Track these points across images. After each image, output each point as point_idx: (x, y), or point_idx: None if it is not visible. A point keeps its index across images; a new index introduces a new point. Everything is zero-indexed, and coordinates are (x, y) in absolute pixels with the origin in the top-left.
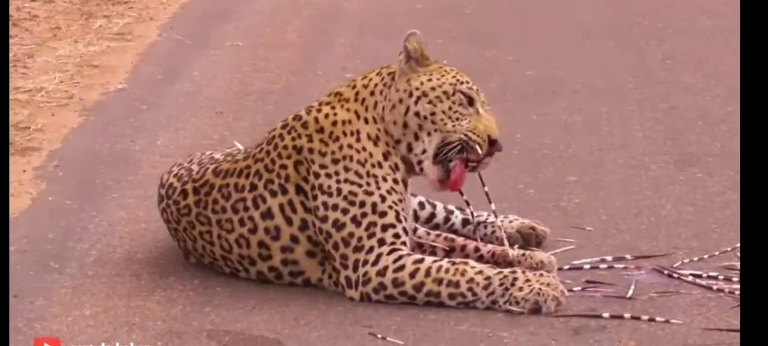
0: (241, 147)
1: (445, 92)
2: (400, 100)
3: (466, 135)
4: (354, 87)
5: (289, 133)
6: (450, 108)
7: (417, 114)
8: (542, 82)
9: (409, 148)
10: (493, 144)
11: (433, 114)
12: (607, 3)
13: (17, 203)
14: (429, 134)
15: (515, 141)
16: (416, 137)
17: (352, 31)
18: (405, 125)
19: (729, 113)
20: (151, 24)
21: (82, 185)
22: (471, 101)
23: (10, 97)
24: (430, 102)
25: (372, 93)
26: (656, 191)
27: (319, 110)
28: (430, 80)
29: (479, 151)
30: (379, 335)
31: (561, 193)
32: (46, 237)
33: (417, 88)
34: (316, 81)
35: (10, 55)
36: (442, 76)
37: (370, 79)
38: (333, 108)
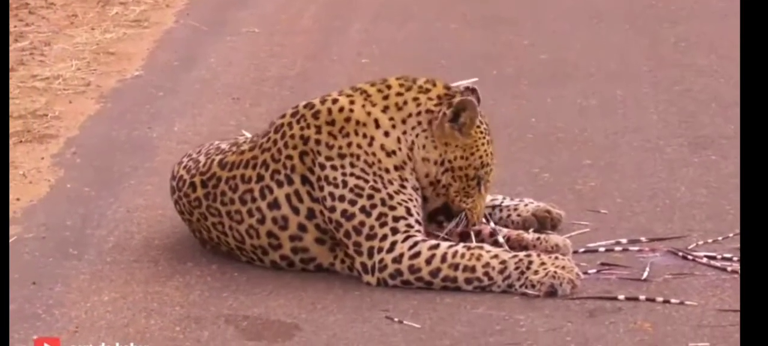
0: (248, 135)
1: (467, 175)
2: (434, 163)
3: (466, 214)
4: (386, 97)
5: (298, 122)
6: (464, 187)
7: (438, 181)
8: (557, 65)
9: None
10: (476, 223)
11: (449, 186)
12: None
13: (36, 191)
14: (437, 196)
15: (530, 125)
16: (428, 193)
17: (367, 16)
18: (430, 184)
19: None
20: (167, 11)
21: (100, 171)
22: (479, 185)
23: (28, 85)
24: (452, 177)
25: (404, 121)
26: (671, 174)
27: (334, 102)
28: (463, 158)
29: (467, 226)
30: (395, 319)
31: (576, 176)
32: (64, 224)
33: (449, 162)
34: (331, 67)
35: (27, 42)
36: (473, 154)
37: (405, 102)
38: (351, 103)
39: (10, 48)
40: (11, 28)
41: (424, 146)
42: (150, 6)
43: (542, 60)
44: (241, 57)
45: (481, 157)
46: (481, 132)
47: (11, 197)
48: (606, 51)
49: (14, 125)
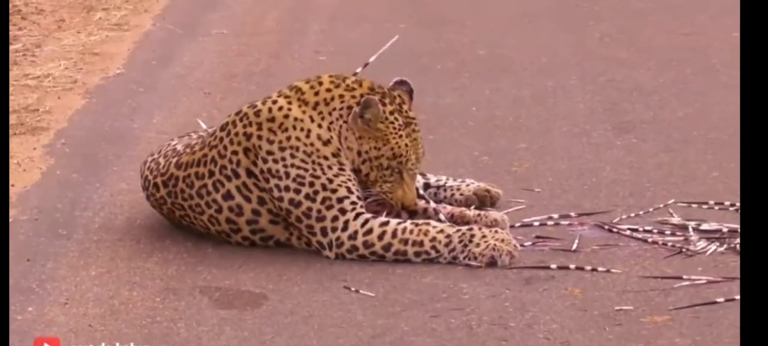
0: (205, 127)
1: (380, 164)
2: (356, 153)
3: (384, 196)
4: (317, 93)
5: (241, 120)
6: (382, 176)
7: (358, 170)
8: (494, 61)
9: None
10: (405, 208)
11: (367, 175)
12: None
13: (29, 177)
14: (360, 182)
15: (470, 114)
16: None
17: (324, 18)
18: (353, 171)
19: (660, 84)
20: (145, 15)
21: (87, 159)
22: (400, 173)
23: (21, 83)
24: (370, 167)
25: (330, 113)
26: (597, 156)
27: (274, 102)
28: (376, 149)
29: (391, 208)
30: (352, 288)
31: (512, 159)
32: (55, 207)
33: (366, 152)
34: (292, 64)
35: (20, 45)
36: (384, 145)
37: (332, 98)
38: (289, 102)
39: None
40: None
41: (346, 138)
42: (130, 11)
43: (481, 56)
44: (212, 56)
45: (392, 149)
46: (395, 127)
47: None
48: (538, 47)
49: (9, 119)
